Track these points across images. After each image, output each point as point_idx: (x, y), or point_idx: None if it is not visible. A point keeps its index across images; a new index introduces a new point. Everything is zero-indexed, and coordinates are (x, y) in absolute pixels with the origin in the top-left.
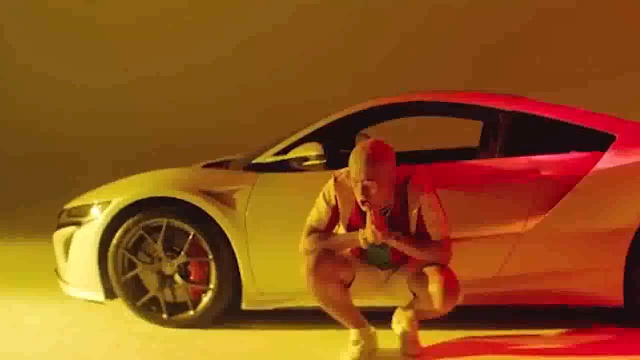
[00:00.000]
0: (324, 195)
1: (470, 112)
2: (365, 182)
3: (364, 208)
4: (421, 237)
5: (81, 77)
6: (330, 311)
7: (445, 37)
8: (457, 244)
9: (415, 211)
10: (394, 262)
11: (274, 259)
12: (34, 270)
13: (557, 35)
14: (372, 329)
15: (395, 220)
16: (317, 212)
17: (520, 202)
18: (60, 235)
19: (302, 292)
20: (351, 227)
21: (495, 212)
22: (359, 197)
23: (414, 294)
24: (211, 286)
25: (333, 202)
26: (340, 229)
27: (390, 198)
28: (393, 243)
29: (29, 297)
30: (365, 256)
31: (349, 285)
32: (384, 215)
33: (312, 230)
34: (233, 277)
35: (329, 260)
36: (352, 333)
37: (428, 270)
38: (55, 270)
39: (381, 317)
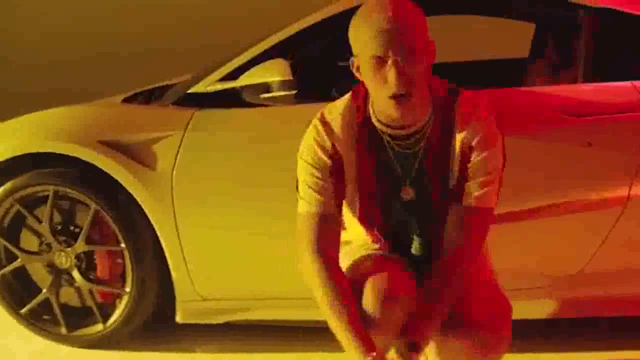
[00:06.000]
0: (307, 154)
1: (530, 9)
2: (399, 58)
3: (394, 105)
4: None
5: None
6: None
7: None
8: (516, 223)
9: (460, 145)
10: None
11: (220, 248)
12: None
13: None
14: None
15: (432, 157)
16: (309, 186)
17: (621, 154)
18: None
19: (265, 299)
20: (364, 179)
21: (580, 171)
22: (391, 92)
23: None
24: (127, 289)
25: (326, 160)
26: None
27: (425, 114)
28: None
29: None
30: (390, 244)
31: None
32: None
33: (318, 222)
34: (160, 275)
35: None
36: None
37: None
38: None
39: None
